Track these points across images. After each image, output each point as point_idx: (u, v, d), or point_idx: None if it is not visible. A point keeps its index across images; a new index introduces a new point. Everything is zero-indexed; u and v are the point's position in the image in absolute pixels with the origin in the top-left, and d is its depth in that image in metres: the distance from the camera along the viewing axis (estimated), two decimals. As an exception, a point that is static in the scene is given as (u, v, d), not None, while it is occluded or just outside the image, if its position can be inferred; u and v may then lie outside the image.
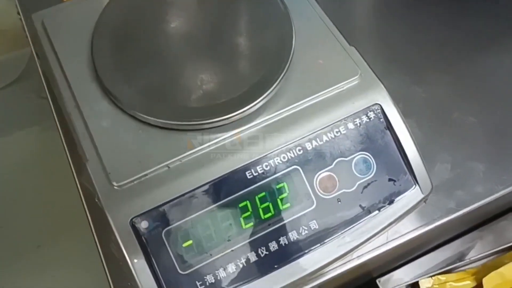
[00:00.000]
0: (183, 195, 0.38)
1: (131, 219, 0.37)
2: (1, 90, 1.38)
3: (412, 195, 0.42)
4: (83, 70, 0.43)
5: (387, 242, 0.44)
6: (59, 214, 1.18)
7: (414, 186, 0.42)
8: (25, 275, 1.13)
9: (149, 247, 0.37)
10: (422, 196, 0.42)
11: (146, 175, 0.38)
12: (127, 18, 0.44)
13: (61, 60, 0.44)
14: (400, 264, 0.49)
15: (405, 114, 0.48)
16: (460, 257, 0.51)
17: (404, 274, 0.48)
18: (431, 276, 0.48)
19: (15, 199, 1.22)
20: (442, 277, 0.48)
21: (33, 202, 1.21)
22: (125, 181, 0.38)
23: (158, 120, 0.39)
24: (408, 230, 0.44)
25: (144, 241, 0.37)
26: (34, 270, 1.13)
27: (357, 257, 0.43)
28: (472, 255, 0.50)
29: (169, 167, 0.39)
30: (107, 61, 0.42)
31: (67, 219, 1.17)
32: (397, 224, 0.43)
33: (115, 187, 0.38)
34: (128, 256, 0.37)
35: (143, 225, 0.38)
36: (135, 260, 0.37)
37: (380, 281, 0.48)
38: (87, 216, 0.45)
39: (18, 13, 1.13)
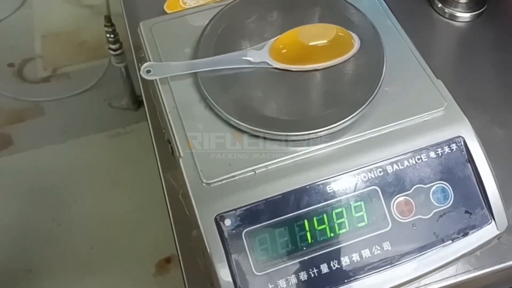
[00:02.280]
0: (265, 200, 0.41)
1: (216, 216, 0.40)
2: (76, 95, 1.46)
3: (487, 230, 0.42)
4: (185, 76, 0.46)
5: (455, 275, 0.44)
6: (113, 219, 1.23)
7: (490, 221, 0.42)
8: (76, 275, 1.17)
9: (230, 244, 0.39)
10: (497, 232, 0.42)
11: (234, 176, 0.41)
12: (229, 31, 0.47)
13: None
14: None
15: (484, 152, 0.49)
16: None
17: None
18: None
19: (75, 200, 1.28)
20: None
21: (91, 205, 1.26)
22: (214, 180, 0.40)
23: (250, 127, 0.42)
24: (478, 266, 0.44)
25: (226, 237, 0.40)
26: (85, 271, 1.17)
27: (424, 285, 0.44)
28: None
29: (255, 172, 0.41)
30: (207, 71, 0.45)
31: (120, 224, 1.21)
32: (468, 258, 0.43)
33: (204, 184, 0.40)
34: (210, 250, 0.39)
35: (226, 222, 0.40)
36: (216, 254, 0.39)
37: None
38: (168, 211, 0.47)
39: (105, 25, 1.21)
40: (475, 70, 0.57)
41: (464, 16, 0.60)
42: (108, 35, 1.23)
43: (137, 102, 1.41)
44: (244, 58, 0.45)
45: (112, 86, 1.46)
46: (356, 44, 0.45)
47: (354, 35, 0.46)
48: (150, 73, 0.46)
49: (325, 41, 0.45)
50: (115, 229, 1.23)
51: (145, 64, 0.46)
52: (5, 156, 1.36)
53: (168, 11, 0.60)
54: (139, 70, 0.56)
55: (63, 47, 1.57)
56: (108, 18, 1.21)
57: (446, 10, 0.60)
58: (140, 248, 1.17)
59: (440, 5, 0.60)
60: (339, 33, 0.45)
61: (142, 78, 0.55)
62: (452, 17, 0.60)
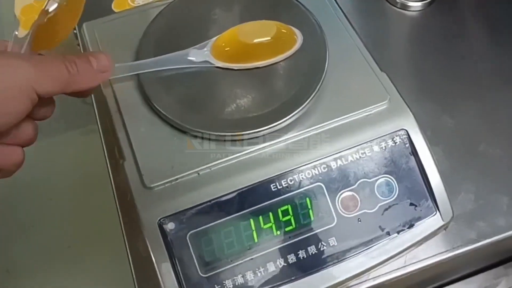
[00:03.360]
0: (209, 201, 0.40)
1: (159, 220, 0.39)
2: (47, 93, 1.44)
3: (432, 221, 0.43)
4: (128, 79, 0.46)
5: (404, 266, 0.45)
6: (91, 217, 1.21)
7: (435, 212, 0.43)
8: (54, 274, 1.16)
9: (174, 248, 0.39)
10: (442, 223, 0.43)
11: (177, 179, 0.41)
12: (171, 31, 0.47)
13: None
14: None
15: (432, 142, 0.49)
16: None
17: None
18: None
19: (50, 198, 1.27)
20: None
21: (68, 203, 1.25)
22: (157, 183, 0.40)
23: (191, 128, 0.42)
24: (427, 256, 0.45)
25: (170, 241, 0.39)
26: (63, 269, 1.17)
27: (373, 278, 0.44)
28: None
29: (199, 173, 0.41)
30: (150, 73, 0.45)
31: (98, 222, 1.20)
32: (416, 249, 0.44)
33: (147, 188, 0.40)
34: (153, 254, 0.39)
35: (170, 226, 0.40)
36: (160, 259, 0.39)
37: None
38: (118, 214, 0.47)
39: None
40: (426, 59, 0.57)
41: (416, 5, 0.60)
42: (74, 31, 1.21)
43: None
44: (186, 58, 0.45)
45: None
46: (299, 40, 0.45)
47: (296, 31, 0.45)
48: None
49: (267, 38, 0.44)
50: (92, 227, 1.22)
51: None
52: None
53: (116, 10, 0.59)
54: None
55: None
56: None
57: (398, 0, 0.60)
58: (118, 246, 1.17)
59: (391, -6, 0.60)
60: (281, 30, 0.45)
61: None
62: (404, 7, 0.60)
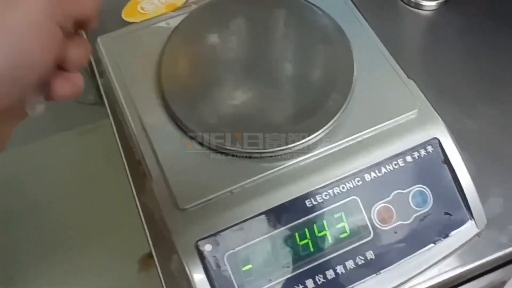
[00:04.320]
0: (244, 220, 0.40)
1: (196, 242, 0.39)
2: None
3: (467, 229, 0.43)
4: (150, 94, 0.44)
5: (439, 274, 0.44)
6: (91, 218, 1.20)
7: (470, 220, 0.43)
8: (58, 278, 1.15)
9: (212, 269, 0.39)
10: (477, 230, 0.43)
11: (210, 199, 0.40)
12: (194, 44, 0.46)
13: (127, 83, 0.46)
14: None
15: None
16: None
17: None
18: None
19: (49, 201, 1.25)
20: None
21: (67, 205, 1.24)
22: (191, 205, 0.39)
23: (222, 146, 0.41)
24: (460, 264, 0.45)
25: (208, 263, 0.39)
26: (66, 273, 1.16)
27: (409, 287, 0.44)
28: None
29: (232, 192, 0.40)
30: (174, 86, 0.44)
31: (98, 223, 1.19)
32: (451, 257, 0.44)
33: (181, 210, 0.39)
34: (192, 277, 0.38)
35: (207, 248, 0.39)
36: (198, 281, 0.38)
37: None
38: (145, 234, 0.46)
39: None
40: (444, 60, 0.56)
41: (430, 4, 0.59)
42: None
43: (104, 96, 1.37)
44: None
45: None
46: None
47: None
48: None
49: None
50: (93, 228, 1.21)
51: None
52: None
53: (126, 18, 0.57)
54: (101, 86, 0.54)
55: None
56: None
57: (412, -1, 0.59)
58: (121, 246, 1.16)
59: (405, -6, 0.59)
60: None
61: (106, 94, 0.53)
62: (418, 6, 0.59)
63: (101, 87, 0.54)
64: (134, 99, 0.45)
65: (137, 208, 0.47)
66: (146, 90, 0.45)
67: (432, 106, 0.44)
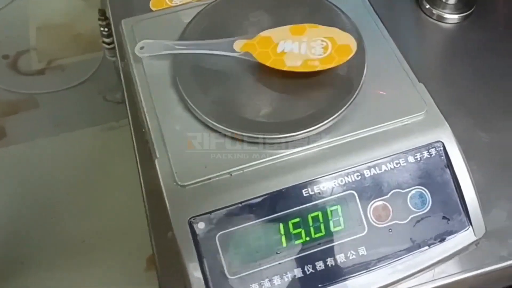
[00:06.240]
0: (240, 203, 0.40)
1: (190, 218, 0.39)
2: (70, 88, 1.46)
3: (464, 236, 0.42)
4: (165, 77, 0.46)
5: (432, 280, 0.44)
6: (106, 213, 1.23)
7: (468, 227, 0.42)
8: (66, 267, 1.17)
9: (203, 248, 0.39)
10: (474, 238, 0.42)
11: (209, 179, 0.40)
12: (210, 32, 0.47)
13: (144, 65, 0.47)
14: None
15: (466, 157, 0.48)
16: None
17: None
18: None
19: (68, 193, 1.28)
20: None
21: (84, 198, 1.26)
22: (189, 182, 0.40)
23: (226, 129, 0.42)
24: (456, 272, 0.44)
25: (199, 241, 0.39)
26: (76, 264, 1.18)
27: (401, 290, 0.43)
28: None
29: (231, 174, 0.41)
30: (187, 71, 0.45)
31: (113, 218, 1.21)
32: (445, 263, 0.43)
33: (179, 186, 0.40)
34: (182, 252, 0.39)
35: (200, 225, 0.39)
36: (189, 257, 0.39)
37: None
38: (145, 211, 0.47)
39: (99, 19, 1.21)
40: (461, 72, 0.56)
41: (452, 17, 0.59)
42: (102, 29, 1.22)
43: (132, 96, 1.40)
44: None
45: (106, 80, 1.45)
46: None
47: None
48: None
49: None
50: (107, 222, 1.23)
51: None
52: (-2, 148, 1.36)
53: (153, 8, 0.59)
54: (122, 69, 0.56)
55: (58, 40, 1.56)
56: (102, 12, 1.20)
57: (434, 11, 0.59)
58: (131, 242, 1.17)
59: (428, 6, 0.60)
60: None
61: (125, 77, 0.55)
62: (440, 19, 0.59)
63: (121, 71, 0.56)
64: (148, 80, 0.46)
65: (140, 187, 0.49)
66: (161, 72, 0.46)
67: (441, 111, 0.44)
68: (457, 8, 0.59)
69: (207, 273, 0.39)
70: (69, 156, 1.34)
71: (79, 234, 1.21)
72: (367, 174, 0.42)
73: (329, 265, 0.40)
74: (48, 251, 1.20)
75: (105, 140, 1.38)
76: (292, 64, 0.42)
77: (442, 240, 0.42)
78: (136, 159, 0.50)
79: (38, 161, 1.33)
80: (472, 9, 0.59)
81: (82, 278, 1.15)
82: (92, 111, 1.42)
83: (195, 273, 0.39)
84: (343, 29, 0.44)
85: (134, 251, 1.16)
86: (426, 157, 0.42)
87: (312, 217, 0.41)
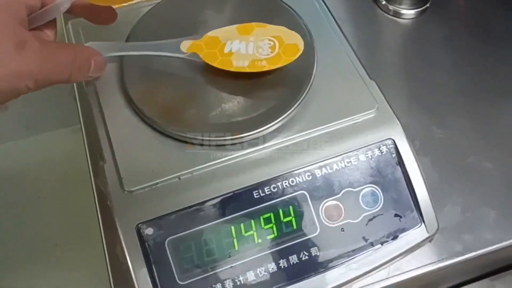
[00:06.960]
0: (189, 207, 0.39)
1: (137, 225, 0.38)
2: (39, 90, 1.43)
3: (417, 233, 0.42)
4: (112, 78, 0.45)
5: (387, 278, 0.44)
6: (78, 215, 1.20)
7: (420, 224, 0.42)
8: (40, 271, 1.15)
9: (151, 254, 0.38)
10: (427, 235, 0.42)
11: (157, 183, 0.40)
12: (159, 32, 0.46)
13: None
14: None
15: (420, 153, 0.48)
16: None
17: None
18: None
19: (39, 196, 1.26)
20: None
21: (55, 201, 1.24)
22: (136, 187, 0.39)
23: (174, 132, 0.41)
24: (411, 268, 0.44)
25: (147, 247, 0.38)
26: (49, 267, 1.16)
27: (356, 289, 0.43)
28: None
29: (180, 178, 0.40)
30: (135, 73, 0.44)
31: (85, 221, 1.19)
32: (400, 260, 0.43)
33: (126, 192, 0.39)
34: (130, 260, 0.38)
35: (148, 231, 0.39)
36: (136, 265, 0.38)
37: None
38: (97, 217, 0.46)
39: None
40: (417, 68, 0.56)
41: (409, 13, 0.59)
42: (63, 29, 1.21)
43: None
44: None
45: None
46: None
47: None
48: None
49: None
50: (79, 225, 1.21)
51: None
52: (-35, 152, 1.33)
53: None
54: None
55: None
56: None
57: (390, 7, 0.59)
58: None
59: (384, 2, 0.59)
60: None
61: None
62: (397, 14, 0.59)
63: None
64: (96, 83, 0.45)
65: (92, 192, 0.47)
66: (109, 74, 0.45)
67: (392, 108, 0.44)
68: (413, 4, 0.59)
69: (157, 280, 0.38)
70: (39, 159, 1.32)
71: (51, 238, 1.19)
72: (318, 173, 0.41)
73: (282, 267, 0.40)
74: (20, 256, 1.17)
75: (76, 141, 1.36)
76: (240, 64, 0.41)
77: (395, 237, 0.42)
78: (88, 163, 0.48)
79: (7, 165, 1.30)
80: (427, 4, 0.59)
81: (55, 282, 1.14)
82: (62, 112, 1.39)
83: (143, 280, 0.38)
84: (292, 28, 0.43)
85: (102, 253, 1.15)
86: (377, 155, 0.42)
87: (264, 219, 0.40)
